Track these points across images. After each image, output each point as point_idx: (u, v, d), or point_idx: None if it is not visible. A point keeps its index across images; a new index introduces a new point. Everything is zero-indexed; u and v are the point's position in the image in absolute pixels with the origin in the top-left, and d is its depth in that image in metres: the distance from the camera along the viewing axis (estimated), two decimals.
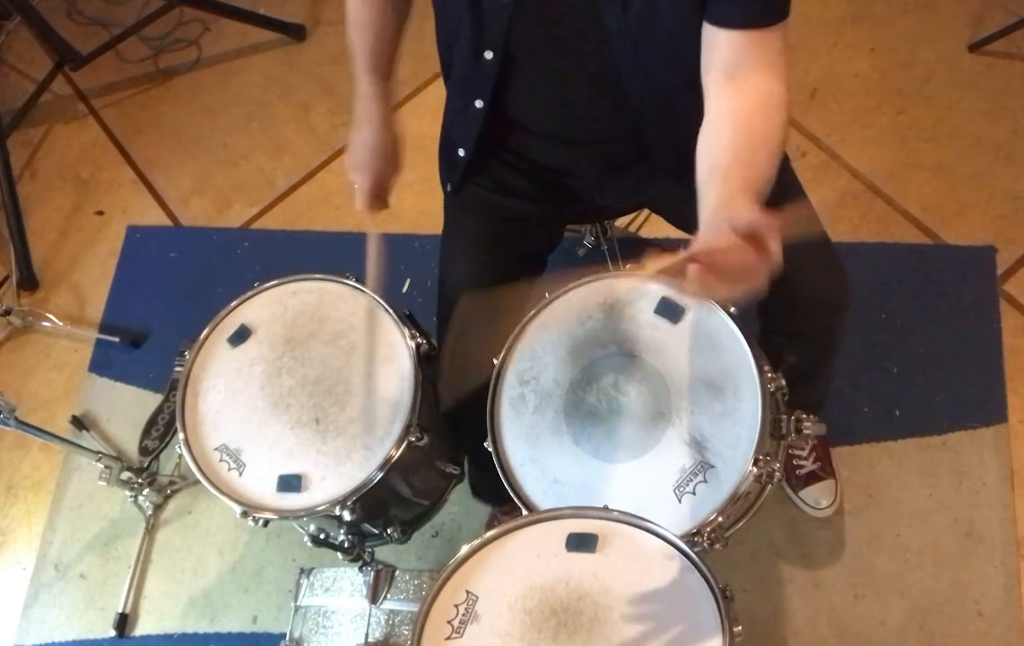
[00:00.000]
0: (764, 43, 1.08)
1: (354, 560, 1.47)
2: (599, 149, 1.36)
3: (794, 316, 1.48)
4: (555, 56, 1.23)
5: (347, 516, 1.33)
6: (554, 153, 1.38)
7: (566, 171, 1.41)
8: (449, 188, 1.47)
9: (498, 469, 1.28)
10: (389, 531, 1.52)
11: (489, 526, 1.80)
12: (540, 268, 1.53)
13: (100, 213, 2.55)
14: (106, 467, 1.95)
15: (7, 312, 2.31)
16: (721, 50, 1.09)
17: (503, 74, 1.25)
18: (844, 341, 1.58)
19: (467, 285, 1.41)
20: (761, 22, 1.07)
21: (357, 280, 1.47)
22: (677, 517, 1.18)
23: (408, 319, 1.44)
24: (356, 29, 1.34)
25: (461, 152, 1.39)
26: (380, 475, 1.32)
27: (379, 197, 1.40)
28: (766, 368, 1.26)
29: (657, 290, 1.34)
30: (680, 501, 1.20)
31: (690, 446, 1.22)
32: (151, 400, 2.18)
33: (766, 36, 1.08)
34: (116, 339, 2.27)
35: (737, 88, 1.09)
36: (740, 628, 1.02)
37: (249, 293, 1.51)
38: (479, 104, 1.30)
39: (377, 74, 1.35)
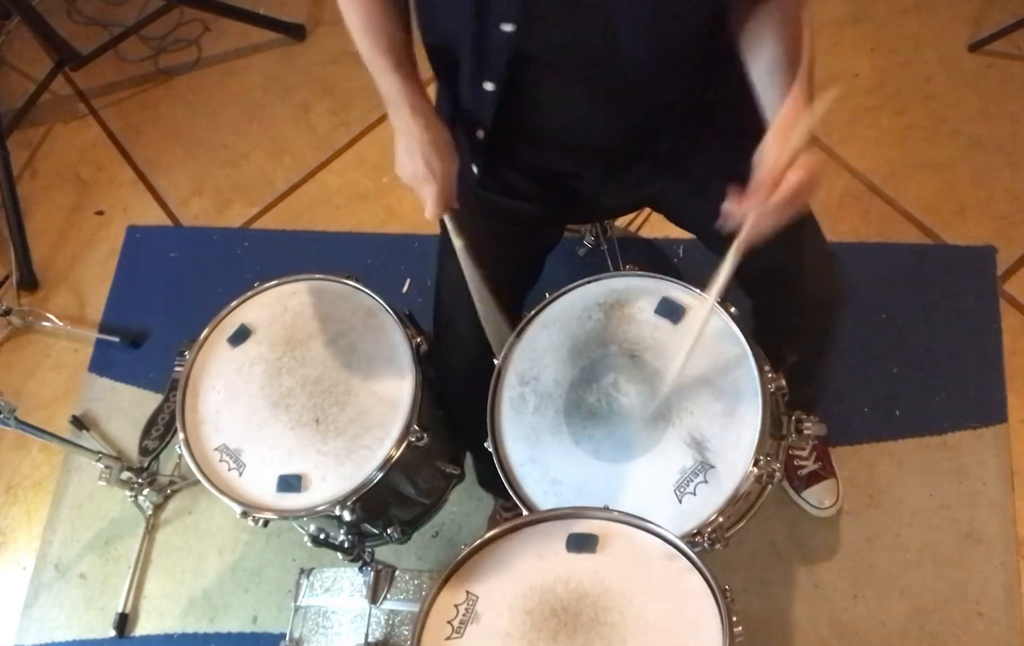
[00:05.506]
0: None
1: (354, 560, 1.47)
2: (603, 152, 1.36)
3: (790, 314, 1.48)
4: (561, 79, 1.21)
5: (347, 516, 1.33)
6: (558, 159, 1.38)
7: (570, 174, 1.41)
8: None
9: (498, 469, 1.28)
10: (389, 531, 1.52)
11: (491, 525, 1.80)
12: (540, 268, 1.54)
13: (100, 213, 2.54)
14: (106, 467, 1.95)
15: (7, 312, 2.31)
16: None
17: (506, 100, 1.22)
18: (840, 339, 1.58)
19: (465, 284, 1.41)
20: None
21: (357, 281, 1.47)
22: (677, 517, 1.18)
23: (408, 319, 1.44)
24: (364, 36, 1.24)
25: (475, 169, 1.37)
26: (380, 475, 1.32)
27: (447, 197, 1.25)
28: (766, 368, 1.26)
29: (657, 290, 1.35)
30: (680, 501, 1.20)
31: (690, 446, 1.22)
32: (151, 400, 2.18)
33: None
34: (116, 339, 2.27)
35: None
36: (740, 628, 1.02)
37: (249, 293, 1.51)
38: (480, 134, 1.30)
39: (402, 69, 1.23)
